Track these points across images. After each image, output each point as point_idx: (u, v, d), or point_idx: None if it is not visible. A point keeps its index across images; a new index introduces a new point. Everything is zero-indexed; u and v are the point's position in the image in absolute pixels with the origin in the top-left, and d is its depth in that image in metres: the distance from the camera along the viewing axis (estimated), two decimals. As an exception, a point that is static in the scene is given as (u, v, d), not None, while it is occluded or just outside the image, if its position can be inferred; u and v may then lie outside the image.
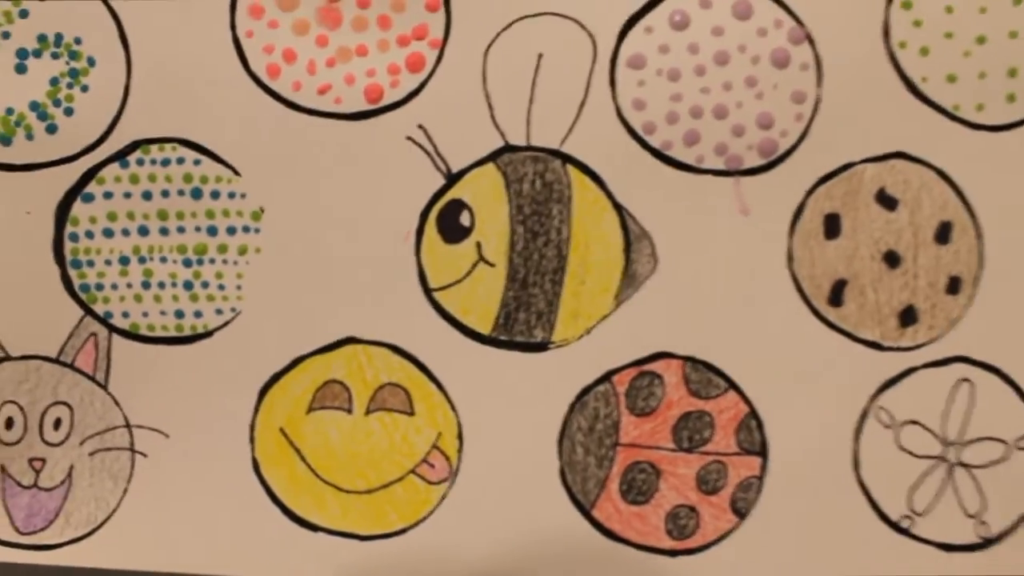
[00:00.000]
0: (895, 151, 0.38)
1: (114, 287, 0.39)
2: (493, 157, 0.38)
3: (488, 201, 0.38)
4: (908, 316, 0.38)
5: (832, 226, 0.38)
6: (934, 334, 0.38)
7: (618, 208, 0.38)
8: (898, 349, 0.38)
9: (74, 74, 0.39)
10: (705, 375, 0.38)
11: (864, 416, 0.38)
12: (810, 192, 0.38)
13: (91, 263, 0.39)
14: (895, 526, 0.38)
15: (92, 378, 0.40)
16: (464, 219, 0.38)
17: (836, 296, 0.38)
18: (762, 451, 0.38)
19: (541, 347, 0.39)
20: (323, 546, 0.39)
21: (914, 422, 0.38)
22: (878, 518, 0.38)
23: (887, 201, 0.38)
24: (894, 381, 0.38)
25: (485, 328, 0.39)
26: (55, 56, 0.39)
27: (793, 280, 0.38)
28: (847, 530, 0.38)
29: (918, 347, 0.38)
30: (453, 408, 0.39)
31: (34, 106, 0.39)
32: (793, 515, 0.38)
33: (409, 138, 0.38)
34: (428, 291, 0.39)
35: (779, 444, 0.38)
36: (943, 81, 0.37)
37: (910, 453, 0.38)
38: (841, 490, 0.38)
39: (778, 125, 0.38)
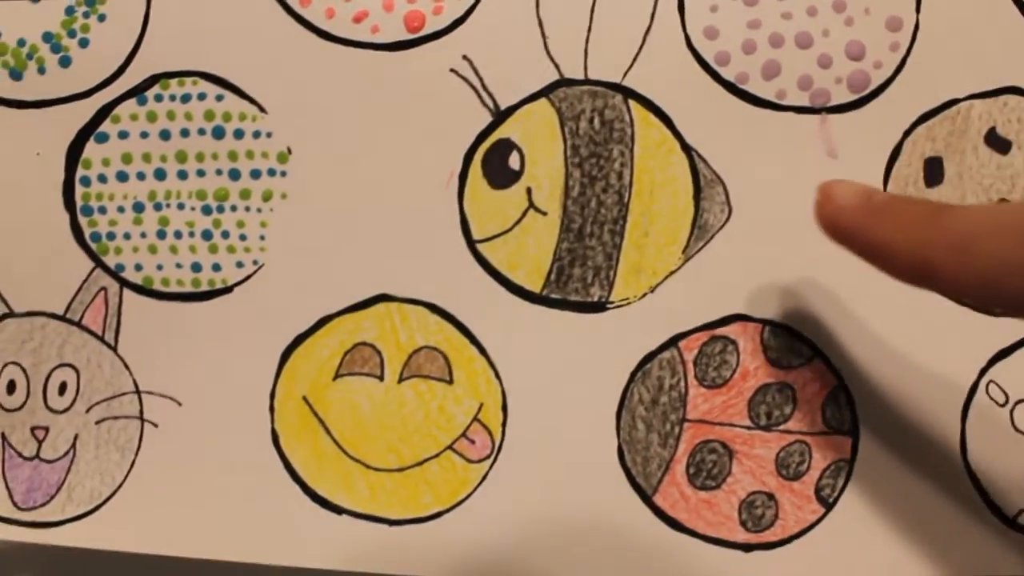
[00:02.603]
0: (1007, 85, 0.36)
1: (127, 236, 0.37)
2: (546, 92, 0.36)
3: (540, 141, 0.36)
4: (1025, 275, 0.35)
5: (934, 172, 0.36)
6: (1056, 295, 0.35)
7: (687, 150, 0.36)
8: (1013, 314, 0.36)
9: (91, 2, 0.37)
10: (786, 341, 0.36)
11: (973, 392, 0.36)
12: (908, 132, 0.36)
13: (103, 210, 0.37)
14: (1011, 522, 0.36)
15: (101, 338, 0.38)
16: (513, 161, 0.36)
17: (939, 252, 0.36)
18: (852, 431, 0.36)
19: (598, 307, 0.36)
20: (348, 531, 0.37)
21: (1033, 399, 0.36)
22: (990, 512, 0.36)
23: (998, 143, 0.36)
24: (1009, 351, 0.36)
25: (535, 285, 0.37)
26: (71, -17, 0.37)
27: (889, 233, 0.36)
28: (953, 526, 0.36)
29: (1037, 311, 0.36)
30: (497, 376, 0.37)
31: (47, 37, 0.37)
32: (888, 507, 0.36)
33: (453, 70, 0.37)
34: (471, 243, 0.37)
35: (872, 423, 0.36)
36: (1066, 1, 0.36)
37: (1028, 436, 0.36)
38: (946, 479, 0.36)
39: (870, 55, 0.36)
